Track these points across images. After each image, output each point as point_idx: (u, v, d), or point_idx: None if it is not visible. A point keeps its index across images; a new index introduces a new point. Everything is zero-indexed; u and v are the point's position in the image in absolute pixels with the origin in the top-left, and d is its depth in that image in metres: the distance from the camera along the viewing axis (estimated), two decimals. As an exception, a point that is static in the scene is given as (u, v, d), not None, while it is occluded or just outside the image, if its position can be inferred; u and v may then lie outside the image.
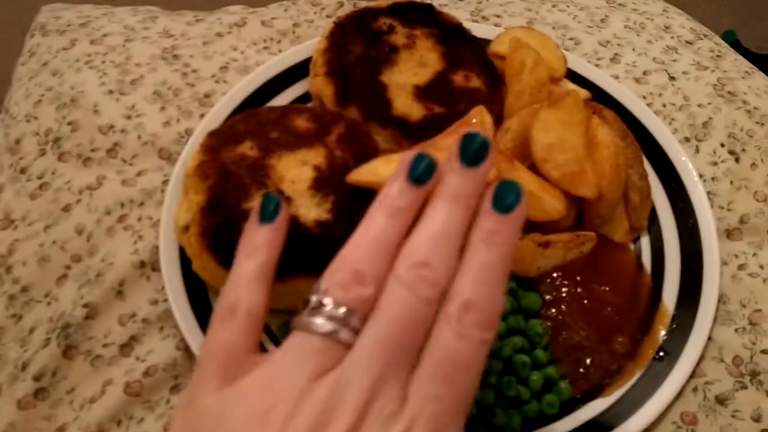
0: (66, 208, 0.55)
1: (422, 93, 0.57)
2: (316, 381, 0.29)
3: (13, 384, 0.49)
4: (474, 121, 0.54)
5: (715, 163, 0.60)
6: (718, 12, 1.67)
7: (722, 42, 0.72)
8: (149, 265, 0.53)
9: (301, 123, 0.53)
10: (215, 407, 0.30)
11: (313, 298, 0.31)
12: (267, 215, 0.37)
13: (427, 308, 0.31)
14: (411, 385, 0.30)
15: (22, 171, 0.58)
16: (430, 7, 0.62)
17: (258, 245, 0.36)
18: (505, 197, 0.32)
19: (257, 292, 0.34)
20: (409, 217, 0.33)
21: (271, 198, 0.37)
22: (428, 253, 0.31)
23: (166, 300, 0.51)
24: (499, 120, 0.57)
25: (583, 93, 0.59)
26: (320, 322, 0.30)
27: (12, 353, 0.50)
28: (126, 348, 0.51)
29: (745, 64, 0.69)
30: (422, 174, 0.33)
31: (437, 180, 0.33)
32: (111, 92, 0.61)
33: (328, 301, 0.31)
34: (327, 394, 0.29)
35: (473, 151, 0.33)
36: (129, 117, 0.60)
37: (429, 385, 0.30)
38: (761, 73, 0.68)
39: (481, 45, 0.61)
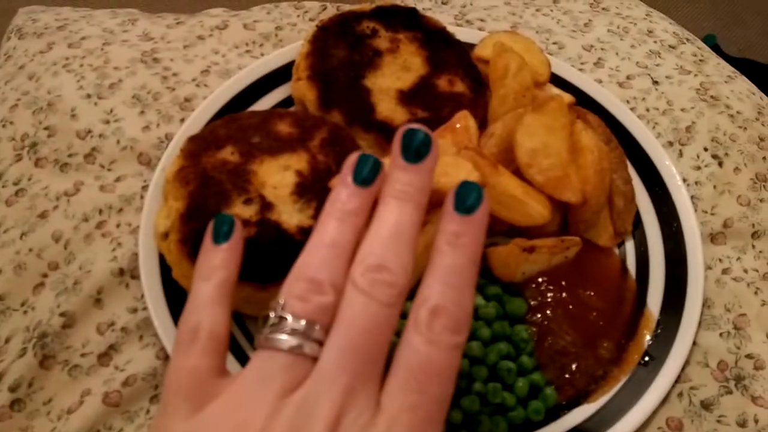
0: (43, 215, 0.54)
1: (406, 97, 0.57)
2: (284, 399, 0.29)
3: (-12, 395, 0.48)
4: (458, 126, 0.54)
5: (698, 168, 0.60)
6: (699, 16, 1.69)
7: (705, 46, 0.72)
8: (128, 273, 0.52)
9: (284, 128, 0.53)
10: None
11: (272, 314, 0.31)
12: (221, 235, 0.36)
13: (388, 311, 0.30)
14: (384, 394, 0.29)
15: (-2, 177, 0.56)
16: (414, 11, 0.62)
17: (214, 266, 0.35)
18: (467, 198, 0.32)
19: (218, 312, 0.34)
20: (360, 219, 0.33)
21: (223, 218, 0.37)
22: (383, 254, 0.31)
23: (145, 308, 0.50)
24: (483, 125, 0.57)
25: (567, 97, 0.59)
26: (282, 338, 0.30)
27: (-13, 364, 0.49)
28: (104, 357, 0.50)
29: (727, 69, 0.69)
30: (368, 175, 0.33)
31: (384, 179, 0.33)
32: (89, 96, 0.60)
33: (287, 315, 0.30)
34: (295, 412, 0.29)
35: (415, 147, 0.33)
36: (107, 122, 0.59)
37: (402, 394, 0.29)
38: (743, 78, 0.69)
39: (464, 49, 0.61)
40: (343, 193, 0.33)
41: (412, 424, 0.29)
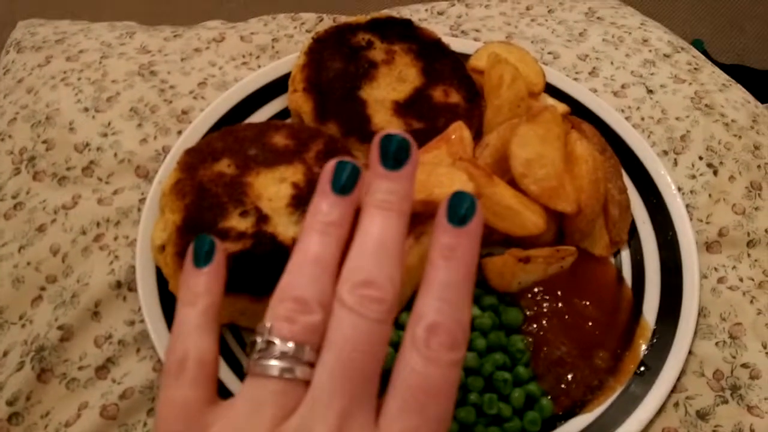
0: (41, 228, 0.54)
1: (401, 108, 0.57)
2: (278, 429, 0.28)
3: (-14, 409, 0.48)
4: (453, 136, 0.54)
5: (693, 176, 0.60)
6: (696, 21, 1.69)
7: (700, 55, 0.72)
8: (125, 286, 0.52)
9: (280, 140, 0.53)
10: None
11: (259, 339, 0.29)
12: (202, 257, 0.34)
13: (378, 327, 0.29)
14: (382, 417, 0.29)
15: (-4, 190, 0.57)
16: (409, 22, 0.62)
17: (198, 291, 0.34)
18: (459, 208, 0.31)
19: (205, 340, 0.32)
20: (343, 230, 0.32)
21: (203, 240, 0.35)
22: (369, 268, 0.30)
23: (142, 321, 0.50)
24: (478, 135, 0.57)
25: (562, 107, 0.59)
26: (271, 363, 0.29)
27: (-15, 377, 0.49)
28: (102, 370, 0.50)
29: (722, 77, 0.69)
30: (347, 182, 0.32)
31: (364, 185, 0.32)
32: (87, 110, 0.61)
33: (275, 339, 0.29)
34: None
35: (393, 152, 0.32)
36: (105, 135, 0.59)
37: (401, 416, 0.28)
38: (738, 86, 0.69)
39: (459, 60, 0.61)
40: (323, 203, 0.32)
41: None
